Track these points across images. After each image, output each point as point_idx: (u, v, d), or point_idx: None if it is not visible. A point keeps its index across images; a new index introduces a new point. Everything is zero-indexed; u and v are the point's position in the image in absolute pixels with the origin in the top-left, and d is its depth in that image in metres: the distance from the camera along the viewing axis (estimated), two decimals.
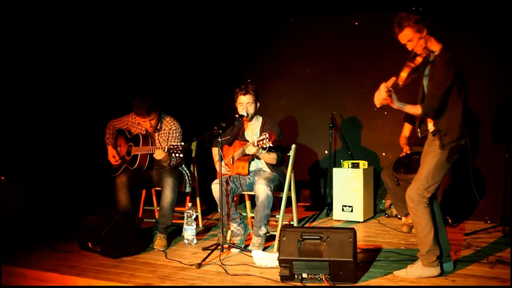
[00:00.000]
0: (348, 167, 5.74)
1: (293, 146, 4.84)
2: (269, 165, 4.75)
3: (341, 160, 6.05)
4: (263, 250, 4.53)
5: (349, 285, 3.67)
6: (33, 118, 6.16)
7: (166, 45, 7.16)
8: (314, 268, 3.64)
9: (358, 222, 5.64)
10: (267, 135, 4.20)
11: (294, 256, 3.66)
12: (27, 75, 6.10)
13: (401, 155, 5.19)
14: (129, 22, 6.87)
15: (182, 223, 4.97)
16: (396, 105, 3.54)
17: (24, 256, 4.51)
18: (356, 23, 6.36)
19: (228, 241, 4.62)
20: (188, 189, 5.24)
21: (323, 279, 3.64)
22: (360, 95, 6.38)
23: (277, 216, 4.76)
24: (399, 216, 5.48)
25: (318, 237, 3.71)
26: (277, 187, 4.64)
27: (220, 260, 4.26)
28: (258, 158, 4.73)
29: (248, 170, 4.76)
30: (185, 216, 4.82)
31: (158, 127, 5.08)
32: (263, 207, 4.45)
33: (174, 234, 5.20)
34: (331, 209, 5.90)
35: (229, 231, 4.77)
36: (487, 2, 5.43)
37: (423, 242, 3.75)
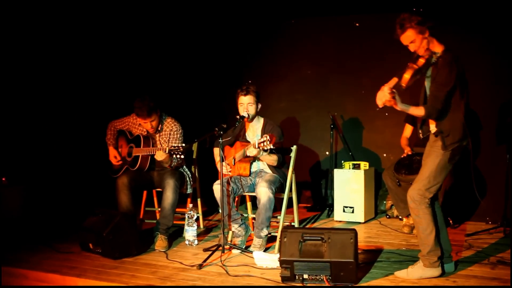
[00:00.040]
0: (349, 168, 5.74)
1: (294, 147, 4.84)
2: (270, 166, 4.75)
3: (342, 161, 6.05)
4: (264, 251, 4.53)
5: (350, 285, 3.66)
6: (34, 120, 6.17)
7: (167, 46, 7.17)
8: (315, 269, 3.64)
9: (359, 223, 5.63)
10: (268, 137, 4.20)
11: (295, 257, 3.66)
12: (28, 77, 6.11)
13: (402, 156, 5.19)
14: (131, 24, 6.88)
15: (183, 224, 4.97)
16: (399, 106, 3.54)
17: (25, 257, 4.51)
18: (357, 24, 6.37)
19: (229, 242, 4.62)
20: (189, 190, 5.24)
21: (324, 280, 3.64)
22: (361, 96, 6.38)
23: (278, 217, 4.76)
24: (400, 217, 5.48)
25: (319, 238, 3.71)
26: (278, 188, 4.65)
27: (221, 261, 4.25)
28: (259, 159, 4.73)
29: (250, 171, 4.76)
30: (186, 217, 4.82)
31: (159, 128, 5.08)
32: (265, 209, 4.45)
33: (175, 235, 5.20)
34: (332, 210, 5.90)
35: (230, 232, 4.77)
36: (487, 3, 5.43)
37: (424, 242, 3.75)
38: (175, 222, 5.03)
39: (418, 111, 3.62)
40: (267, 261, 4.14)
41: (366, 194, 5.67)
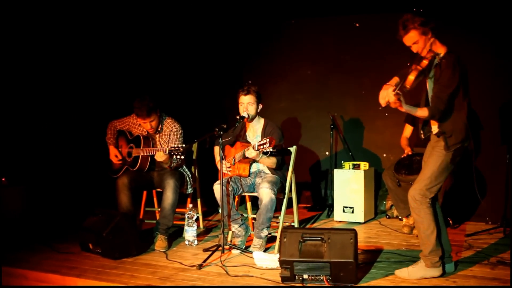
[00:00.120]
0: (349, 168, 5.74)
1: (294, 147, 4.85)
2: (270, 167, 4.75)
3: (342, 161, 6.05)
4: (264, 251, 4.53)
5: (350, 286, 3.66)
6: (34, 120, 6.17)
7: (167, 47, 7.17)
8: (315, 269, 3.64)
9: (359, 223, 5.63)
10: (268, 140, 4.21)
11: (295, 257, 3.66)
12: (28, 77, 6.11)
13: (402, 156, 5.19)
14: (131, 24, 6.88)
15: (183, 224, 4.97)
16: (404, 108, 3.53)
17: (24, 257, 4.51)
18: (357, 24, 6.37)
19: (229, 242, 4.62)
20: (189, 190, 5.24)
21: (324, 280, 3.64)
22: (361, 96, 6.38)
23: (278, 217, 4.76)
24: (400, 217, 5.48)
25: (319, 238, 3.71)
26: (278, 188, 4.65)
27: (221, 261, 4.25)
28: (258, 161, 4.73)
29: (249, 171, 4.76)
30: (186, 217, 4.83)
31: (159, 129, 5.08)
32: (266, 210, 4.45)
33: (175, 235, 5.20)
34: (332, 210, 5.90)
35: (230, 232, 4.77)
36: (487, 4, 5.43)
37: (425, 242, 3.75)
38: (175, 222, 5.02)
39: (422, 112, 3.63)
40: (267, 261, 4.14)
41: (366, 194, 5.67)
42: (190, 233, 4.85)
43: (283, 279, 3.72)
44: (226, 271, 4.04)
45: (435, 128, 3.76)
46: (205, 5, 6.83)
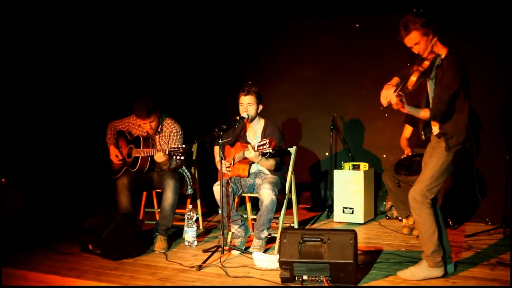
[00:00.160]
0: (349, 169, 5.74)
1: (294, 148, 4.85)
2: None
3: (342, 162, 6.05)
4: (264, 252, 4.53)
5: (349, 286, 3.66)
6: (34, 120, 6.17)
7: (167, 47, 7.17)
8: (315, 270, 3.64)
9: (359, 224, 5.63)
10: (268, 141, 4.21)
11: (294, 258, 3.66)
12: (28, 77, 6.11)
13: (402, 157, 5.19)
14: (131, 24, 6.88)
15: (183, 225, 4.97)
16: (406, 109, 3.53)
17: (24, 258, 4.51)
18: (357, 25, 6.37)
19: (228, 243, 4.61)
20: (189, 191, 5.24)
21: (324, 281, 3.63)
22: (361, 97, 6.38)
23: (278, 218, 4.76)
24: (400, 218, 5.48)
25: (318, 239, 3.71)
26: (279, 189, 4.64)
27: (220, 262, 4.25)
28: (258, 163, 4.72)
29: (249, 172, 4.76)
30: (186, 218, 4.82)
31: (159, 130, 5.08)
32: (267, 211, 4.45)
33: (175, 236, 5.20)
34: (332, 211, 5.90)
35: (230, 233, 4.76)
36: (486, 4, 5.43)
37: (427, 243, 3.74)
38: (174, 223, 5.02)
39: (424, 113, 3.63)
40: (267, 262, 4.14)
41: (365, 195, 5.67)
42: (189, 234, 4.85)
43: (283, 280, 3.72)
44: (225, 272, 4.04)
45: (435, 129, 3.76)
46: (205, 5, 6.83)
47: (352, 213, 5.67)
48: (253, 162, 4.73)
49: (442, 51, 3.64)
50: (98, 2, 6.46)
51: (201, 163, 5.60)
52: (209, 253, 4.40)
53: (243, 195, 4.85)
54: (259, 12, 6.74)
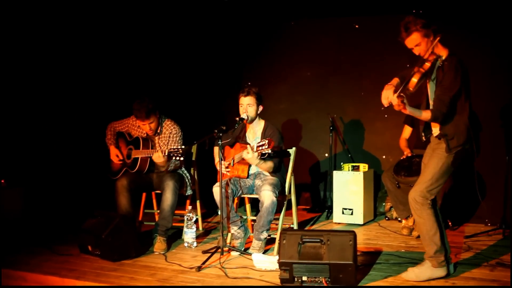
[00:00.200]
0: (348, 170, 5.74)
1: (293, 149, 4.85)
2: None
3: (341, 163, 6.05)
4: (263, 253, 4.52)
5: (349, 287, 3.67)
6: (33, 121, 6.16)
7: (167, 48, 7.17)
8: (314, 271, 3.63)
9: (358, 225, 5.63)
10: (267, 141, 4.21)
11: (294, 259, 3.66)
12: (27, 78, 6.11)
13: (401, 158, 5.19)
14: (130, 25, 6.88)
15: (182, 226, 4.97)
16: (408, 110, 3.53)
17: (24, 259, 4.51)
18: (357, 26, 6.37)
19: (228, 244, 4.61)
20: (189, 192, 5.23)
21: (323, 282, 3.63)
22: (360, 98, 6.39)
23: (277, 219, 4.75)
24: (399, 219, 5.48)
25: (318, 240, 3.70)
26: (279, 191, 4.64)
27: (220, 263, 4.25)
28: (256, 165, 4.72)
29: (248, 173, 4.76)
30: (185, 219, 4.82)
31: (158, 131, 5.08)
32: (267, 212, 4.44)
33: (174, 237, 5.20)
34: (331, 212, 5.90)
35: (229, 234, 4.76)
36: (486, 5, 5.43)
37: (430, 243, 3.74)
38: (174, 224, 5.02)
39: (425, 115, 3.63)
40: (266, 263, 4.14)
41: (365, 196, 5.67)
42: (189, 235, 4.85)
43: (282, 281, 3.72)
44: (225, 273, 4.04)
45: (436, 130, 3.76)
46: (205, 6, 6.83)
47: (352, 214, 5.67)
48: None
49: (443, 53, 3.65)
50: (98, 3, 6.45)
51: (200, 164, 5.60)
52: (209, 254, 4.40)
53: (242, 196, 4.85)
54: (259, 13, 6.74)
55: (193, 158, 5.53)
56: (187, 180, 5.21)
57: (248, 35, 6.92)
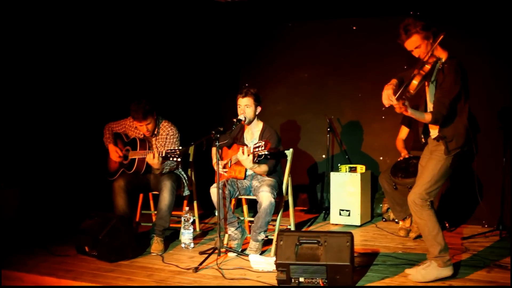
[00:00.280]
0: (346, 171, 5.75)
1: (291, 150, 4.85)
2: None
3: (339, 164, 6.06)
4: (260, 254, 4.52)
5: None
6: (29, 122, 6.15)
7: (165, 50, 7.16)
8: (311, 272, 3.63)
9: (356, 226, 5.63)
10: (264, 143, 4.21)
11: (291, 260, 3.65)
12: (24, 78, 6.09)
13: (399, 159, 5.20)
14: (128, 26, 6.87)
15: (179, 227, 4.96)
16: (410, 112, 3.53)
17: (20, 260, 4.49)
18: (354, 28, 6.38)
19: (225, 245, 4.61)
20: (186, 192, 5.22)
21: (320, 283, 3.63)
22: (358, 99, 6.40)
23: (274, 220, 4.76)
24: (396, 220, 5.48)
25: (315, 241, 3.70)
26: (277, 192, 4.64)
27: (217, 264, 4.25)
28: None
29: (245, 174, 4.76)
30: (182, 220, 4.82)
31: (155, 132, 5.07)
32: (265, 214, 4.44)
33: (171, 238, 5.19)
34: (329, 213, 5.90)
35: (226, 235, 4.76)
36: (485, 6, 5.44)
37: (433, 243, 3.74)
38: (171, 225, 5.01)
39: (427, 117, 3.63)
40: (263, 264, 4.14)
41: (362, 197, 5.67)
42: (186, 236, 4.85)
43: (279, 282, 3.72)
44: (222, 274, 4.04)
45: (434, 132, 3.77)
46: (202, 8, 6.83)
47: (349, 215, 5.68)
48: None
49: (442, 55, 3.65)
50: (96, 4, 6.45)
51: (197, 166, 5.60)
52: (206, 255, 4.40)
53: (239, 197, 4.84)
54: (257, 15, 6.75)
55: (191, 159, 5.53)
56: (184, 181, 5.21)
57: (246, 36, 6.92)
